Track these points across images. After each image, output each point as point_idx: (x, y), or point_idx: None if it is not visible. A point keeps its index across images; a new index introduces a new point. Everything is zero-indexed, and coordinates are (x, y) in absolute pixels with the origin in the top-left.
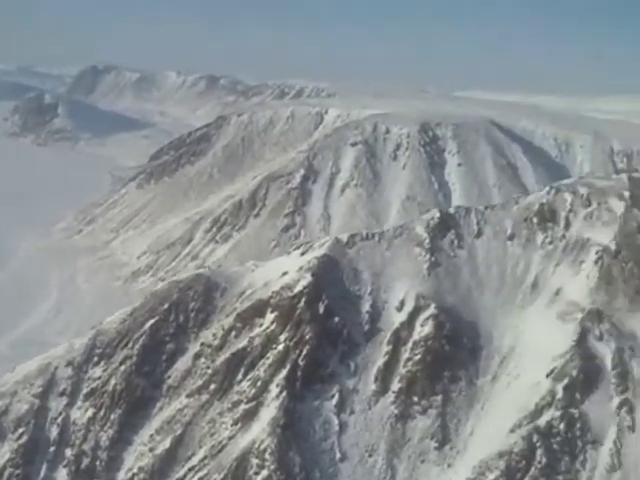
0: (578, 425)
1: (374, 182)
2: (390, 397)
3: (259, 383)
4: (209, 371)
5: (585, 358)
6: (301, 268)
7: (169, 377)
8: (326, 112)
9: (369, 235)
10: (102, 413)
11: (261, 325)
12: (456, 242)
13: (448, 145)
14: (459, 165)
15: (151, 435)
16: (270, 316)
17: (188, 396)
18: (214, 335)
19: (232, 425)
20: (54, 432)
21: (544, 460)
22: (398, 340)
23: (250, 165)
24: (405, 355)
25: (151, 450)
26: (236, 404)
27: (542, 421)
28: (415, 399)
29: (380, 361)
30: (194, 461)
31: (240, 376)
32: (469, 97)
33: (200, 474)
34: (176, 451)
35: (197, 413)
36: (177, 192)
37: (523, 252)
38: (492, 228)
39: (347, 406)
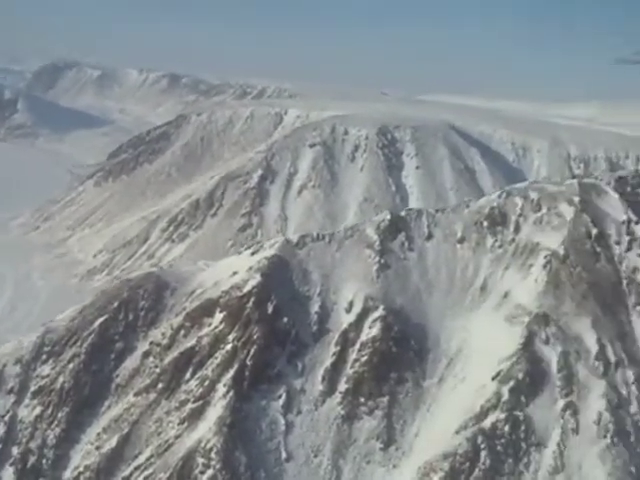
0: (522, 427)
1: (331, 183)
2: (337, 398)
3: (207, 382)
4: (157, 370)
5: (531, 361)
6: (251, 268)
7: (117, 376)
8: (286, 113)
9: (319, 236)
10: (50, 411)
11: (210, 325)
12: (406, 244)
13: (406, 148)
14: (417, 168)
15: (98, 434)
16: (219, 316)
17: (136, 395)
18: (163, 334)
19: (179, 424)
20: (1, 430)
21: (488, 462)
22: (346, 341)
23: (209, 165)
24: (352, 356)
25: (98, 449)
26: (183, 403)
27: (487, 423)
28: (362, 400)
29: (328, 362)
30: (140, 460)
31: (188, 375)
32: (430, 101)
33: (146, 473)
34: (123, 450)
35: (144, 412)
36: (135, 191)
37: (473, 255)
38: (442, 231)
39: (294, 406)
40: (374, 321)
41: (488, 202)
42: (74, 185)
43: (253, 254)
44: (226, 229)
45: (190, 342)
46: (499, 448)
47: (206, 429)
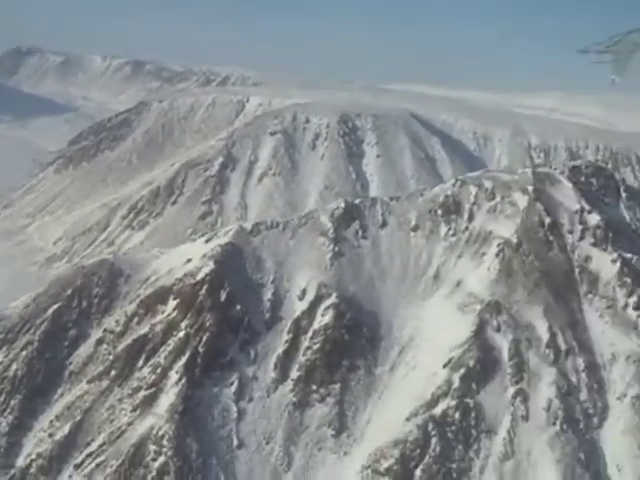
0: (473, 414)
1: (292, 171)
2: (289, 385)
3: (159, 370)
4: (110, 357)
5: (482, 349)
6: (204, 256)
7: (71, 363)
8: (247, 100)
9: (274, 224)
10: (2, 399)
11: (163, 312)
12: (360, 232)
13: (367, 136)
14: (377, 156)
15: (51, 421)
16: (172, 303)
17: (89, 382)
18: (117, 321)
19: (131, 411)
20: None
21: (438, 448)
22: (298, 329)
23: (170, 152)
24: (305, 344)
25: (50, 436)
26: (136, 390)
27: (438, 410)
28: (314, 387)
29: (280, 349)
30: (93, 447)
31: (141, 362)
32: (393, 89)
33: (98, 460)
34: (75, 437)
35: (97, 399)
36: (95, 178)
37: (426, 243)
38: (397, 219)
39: (246, 393)
40: (327, 309)
41: (442, 191)
42: (35, 172)
43: (207, 241)
44: (186, 217)
45: (143, 329)
46: (449, 435)
47: (158, 416)
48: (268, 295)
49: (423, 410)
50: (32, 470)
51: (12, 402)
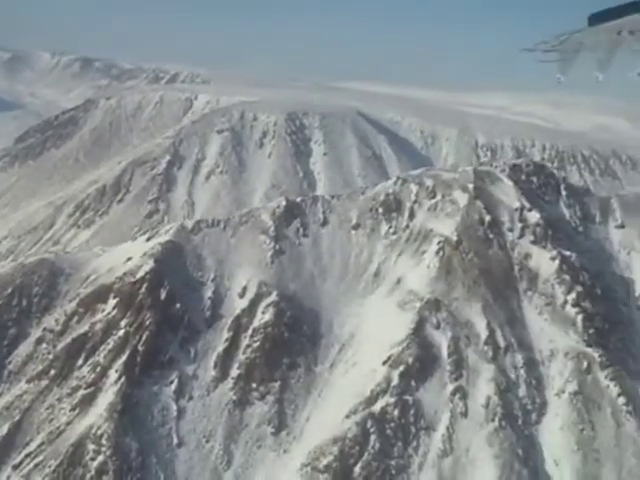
0: (412, 411)
1: (239, 169)
2: (229, 383)
3: (98, 369)
4: (50, 356)
5: (421, 346)
6: (145, 254)
7: (10, 362)
8: (195, 98)
9: (215, 222)
10: None
11: (103, 311)
12: (301, 230)
13: (314, 134)
14: (324, 154)
15: None
16: (112, 302)
17: (28, 381)
18: (56, 320)
19: (70, 411)
20: None
21: (377, 445)
22: (239, 327)
23: (117, 150)
24: (245, 342)
25: None
26: (75, 389)
27: (377, 407)
28: (253, 385)
29: (220, 347)
30: (31, 447)
31: (80, 362)
32: (341, 87)
33: (37, 460)
34: (14, 437)
35: (36, 399)
36: (41, 176)
37: (367, 241)
38: (338, 217)
39: (186, 392)
40: (267, 307)
41: (384, 189)
42: None
43: (148, 240)
44: (132, 215)
45: (83, 328)
46: (389, 432)
47: (97, 415)
48: (208, 293)
49: (362, 407)
50: None
51: None
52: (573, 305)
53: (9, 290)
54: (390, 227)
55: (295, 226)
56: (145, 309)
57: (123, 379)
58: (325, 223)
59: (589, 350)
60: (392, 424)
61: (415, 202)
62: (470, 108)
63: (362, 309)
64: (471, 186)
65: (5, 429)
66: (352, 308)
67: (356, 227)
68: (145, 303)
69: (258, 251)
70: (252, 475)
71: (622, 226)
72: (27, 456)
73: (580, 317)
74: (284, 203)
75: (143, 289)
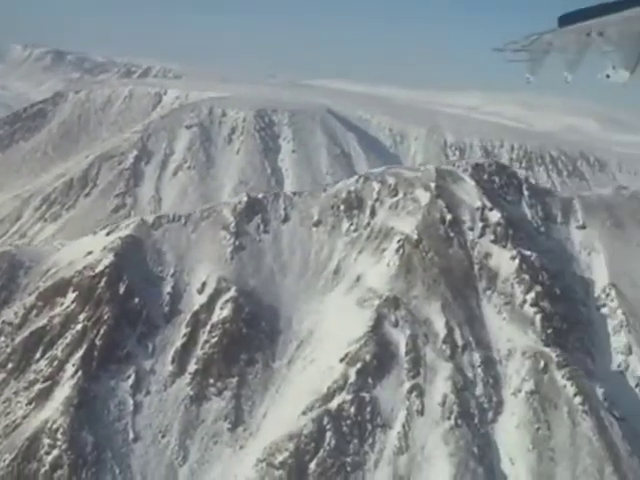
0: (368, 409)
1: (207, 165)
2: (186, 379)
3: (56, 362)
4: (8, 350)
5: (379, 344)
6: (105, 248)
7: None
8: (165, 93)
9: (175, 217)
10: None
11: (62, 304)
12: (262, 227)
13: (283, 131)
14: (293, 151)
15: None
16: (71, 295)
17: None
18: (15, 313)
19: (27, 404)
20: None
21: (333, 442)
22: (197, 322)
23: (86, 144)
24: (203, 337)
25: None
26: (32, 383)
27: (333, 404)
28: (211, 381)
29: (178, 343)
30: None
31: (38, 355)
32: (314, 85)
33: None
34: None
35: None
36: (9, 168)
37: (328, 239)
38: (299, 214)
39: (143, 387)
40: (225, 302)
41: (345, 186)
42: None
43: (108, 234)
44: (99, 209)
45: (42, 322)
46: (345, 429)
47: (53, 409)
48: (167, 288)
49: (319, 404)
50: None
51: None
52: (532, 305)
53: None
54: (351, 224)
55: (256, 222)
56: (104, 303)
57: (80, 373)
58: (286, 219)
59: (547, 350)
60: (348, 421)
61: (377, 200)
62: (440, 107)
63: (321, 306)
64: (433, 185)
65: None
66: (311, 305)
67: (317, 224)
68: (104, 297)
69: (218, 247)
70: (208, 470)
71: (583, 227)
72: None
73: (539, 317)
74: (245, 199)
75: (102, 283)
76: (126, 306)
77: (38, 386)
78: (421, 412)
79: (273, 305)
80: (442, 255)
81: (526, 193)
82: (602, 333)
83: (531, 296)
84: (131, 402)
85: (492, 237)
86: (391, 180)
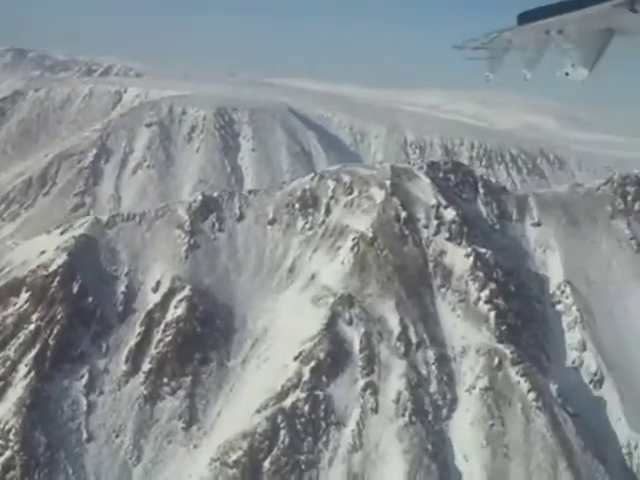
0: (323, 406)
1: (167, 164)
2: (140, 378)
3: (8, 363)
4: None
5: (333, 342)
6: (58, 247)
7: None
8: (125, 91)
9: (130, 216)
10: None
11: (15, 304)
12: (217, 225)
13: (243, 130)
14: (253, 150)
15: None
16: (24, 295)
17: None
18: None
19: None
20: None
21: (287, 440)
22: (151, 321)
23: (45, 142)
24: (157, 336)
25: None
26: None
27: (287, 402)
28: (165, 380)
29: (132, 342)
30: None
31: None
32: (276, 83)
33: None
34: None
35: None
36: None
37: (282, 237)
38: (254, 212)
39: (96, 386)
40: (180, 301)
41: (301, 185)
42: None
43: (62, 233)
44: (58, 208)
45: None
46: (299, 427)
47: (5, 410)
48: (122, 287)
49: (273, 402)
50: None
51: None
52: (486, 302)
53: None
54: (306, 223)
55: (211, 221)
56: (57, 303)
57: (33, 373)
58: (241, 218)
59: (501, 346)
60: (302, 419)
61: (332, 198)
62: (401, 106)
63: (276, 304)
64: (388, 183)
65: None
66: (266, 303)
67: (272, 222)
68: (57, 297)
69: (173, 245)
70: (162, 470)
71: (538, 224)
72: None
73: (493, 314)
74: (200, 198)
75: (55, 283)
76: (80, 305)
77: None
78: (375, 410)
79: (228, 304)
80: (397, 253)
81: (481, 191)
82: (557, 330)
83: (485, 293)
84: (84, 402)
85: (447, 235)
86: (346, 178)
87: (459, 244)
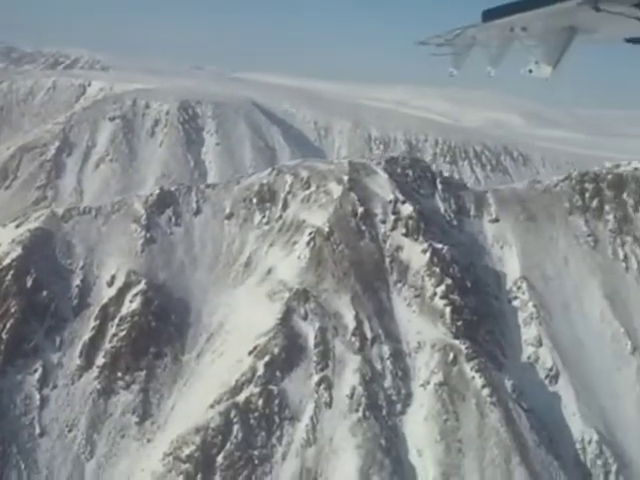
0: (276, 401)
1: (130, 157)
2: (94, 372)
3: None
4: None
5: (288, 336)
6: (13, 241)
7: None
8: (89, 84)
9: (86, 209)
10: None
11: None
12: (174, 219)
13: (207, 124)
14: (217, 144)
15: None
16: None
17: None
18: None
19: None
20: None
21: (240, 435)
22: (106, 315)
23: (8, 135)
24: (111, 331)
25: None
26: None
27: (241, 397)
28: (119, 374)
29: (86, 336)
30: None
31: None
32: (241, 78)
33: None
34: None
35: None
36: None
37: (239, 231)
38: (211, 207)
39: (50, 381)
40: (134, 295)
41: (258, 179)
42: None
43: (17, 226)
44: (20, 202)
45: None
46: (252, 422)
47: None
48: (77, 281)
49: (227, 397)
50: None
51: None
52: (442, 297)
53: None
54: (263, 217)
55: (167, 215)
56: (10, 297)
57: None
58: (198, 212)
59: (456, 342)
60: (256, 414)
61: (289, 193)
62: (367, 101)
63: (232, 299)
64: (346, 178)
65: None
66: (222, 298)
67: (229, 217)
68: (11, 290)
69: (129, 240)
70: (115, 464)
71: (496, 220)
72: None
73: (448, 309)
74: (157, 192)
75: (9, 276)
76: (34, 299)
77: None
78: (329, 404)
79: (183, 298)
80: (353, 248)
81: (440, 187)
82: (513, 325)
83: (441, 289)
84: (38, 396)
85: (404, 230)
86: (304, 173)
87: (416, 240)
